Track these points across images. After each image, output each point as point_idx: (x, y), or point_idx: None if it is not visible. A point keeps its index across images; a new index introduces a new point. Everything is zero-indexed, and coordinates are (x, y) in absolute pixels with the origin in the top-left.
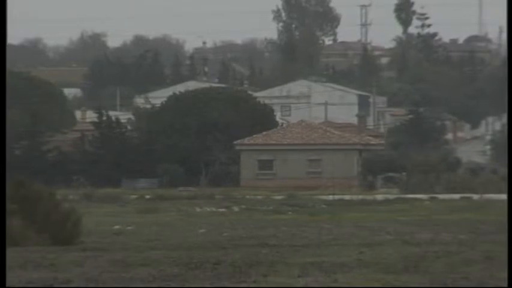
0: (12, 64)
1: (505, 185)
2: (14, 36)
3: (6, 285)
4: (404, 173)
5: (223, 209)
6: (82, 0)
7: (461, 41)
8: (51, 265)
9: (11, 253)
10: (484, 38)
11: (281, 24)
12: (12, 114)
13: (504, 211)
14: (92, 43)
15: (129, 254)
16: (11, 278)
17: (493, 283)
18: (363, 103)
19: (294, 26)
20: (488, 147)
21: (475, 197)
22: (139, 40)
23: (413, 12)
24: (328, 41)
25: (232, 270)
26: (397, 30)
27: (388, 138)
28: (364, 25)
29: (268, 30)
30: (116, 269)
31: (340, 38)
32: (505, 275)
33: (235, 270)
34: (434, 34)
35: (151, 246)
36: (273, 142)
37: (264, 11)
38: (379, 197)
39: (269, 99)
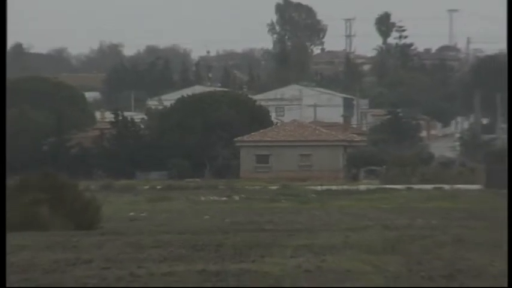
0: (40, 71)
1: (472, 177)
2: (43, 46)
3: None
4: (384, 166)
5: (225, 198)
6: (101, 14)
7: (433, 50)
8: (74, 247)
9: (40, 236)
10: (454, 48)
11: (275, 35)
12: (41, 114)
13: (471, 200)
14: (110, 52)
15: (143, 237)
16: (40, 258)
17: (463, 263)
18: (348, 105)
19: (286, 37)
20: (457, 143)
21: (446, 187)
22: (151, 49)
23: (392, 25)
24: (316, 50)
25: (233, 252)
26: (378, 40)
27: (369, 136)
28: (349, 36)
29: (264, 41)
30: (131, 251)
31: (327, 48)
32: (473, 255)
33: (235, 251)
34: (410, 44)
35: (162, 231)
36: (269, 139)
37: (261, 24)
38: (362, 187)
39: (265, 101)
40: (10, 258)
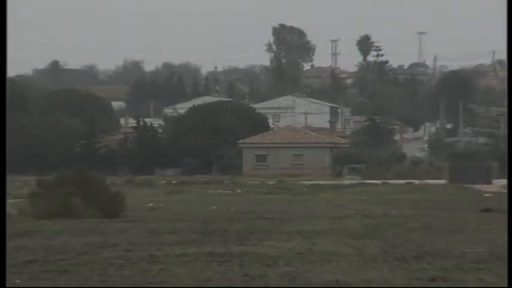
0: (74, 84)
1: (438, 174)
2: (76, 63)
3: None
4: (364, 165)
5: (229, 191)
6: (125, 36)
7: (405, 66)
8: (102, 232)
9: (73, 223)
10: (423, 65)
11: (272, 54)
12: (74, 121)
13: (438, 192)
14: (132, 68)
15: (160, 224)
16: (73, 241)
17: (430, 246)
18: (333, 112)
19: (282, 55)
20: (426, 145)
21: (416, 182)
22: (167, 66)
23: (371, 45)
24: (307, 66)
25: (236, 236)
26: (359, 58)
27: (352, 139)
28: (334, 54)
29: (263, 59)
30: (151, 236)
31: (316, 64)
32: (439, 239)
33: (239, 236)
34: (386, 61)
35: (176, 219)
36: (267, 141)
37: (260, 45)
38: (345, 182)
39: (264, 109)
40: (49, 242)
